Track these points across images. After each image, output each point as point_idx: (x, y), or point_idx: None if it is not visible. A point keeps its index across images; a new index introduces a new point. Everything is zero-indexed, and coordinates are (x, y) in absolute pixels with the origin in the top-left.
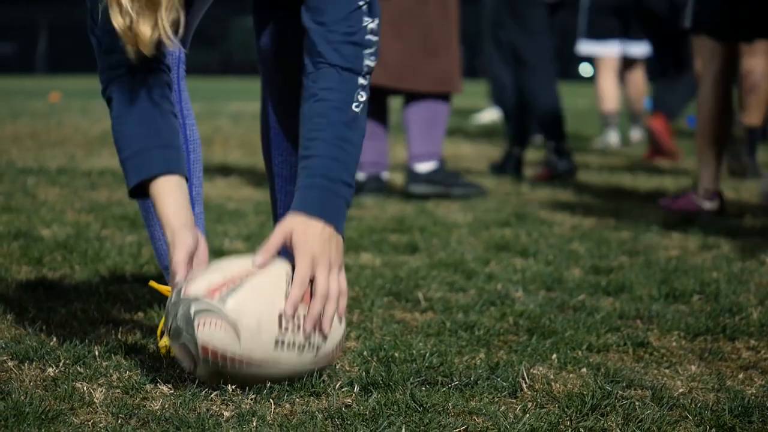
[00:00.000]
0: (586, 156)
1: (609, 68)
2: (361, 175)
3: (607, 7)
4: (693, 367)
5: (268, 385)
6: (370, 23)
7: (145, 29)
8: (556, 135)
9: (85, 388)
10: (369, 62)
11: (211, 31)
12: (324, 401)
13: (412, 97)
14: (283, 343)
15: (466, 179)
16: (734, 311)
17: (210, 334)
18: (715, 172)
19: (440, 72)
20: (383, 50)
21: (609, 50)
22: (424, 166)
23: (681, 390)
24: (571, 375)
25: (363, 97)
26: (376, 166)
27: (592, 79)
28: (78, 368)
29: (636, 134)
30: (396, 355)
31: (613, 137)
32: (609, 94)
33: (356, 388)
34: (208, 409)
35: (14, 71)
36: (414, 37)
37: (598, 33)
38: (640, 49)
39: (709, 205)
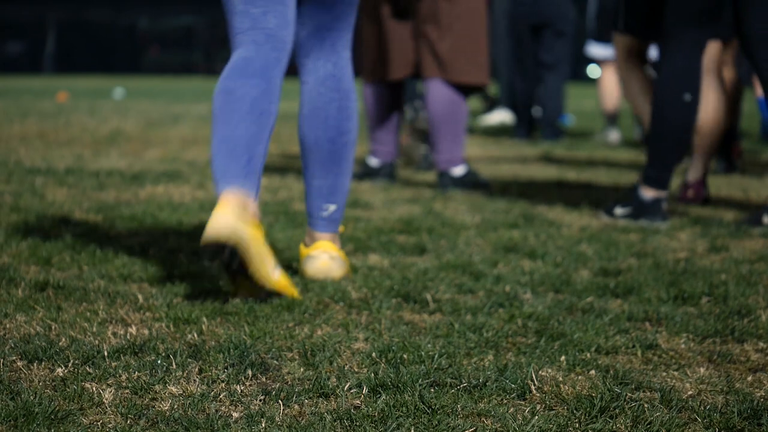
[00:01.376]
0: (594, 155)
1: (612, 71)
2: (374, 161)
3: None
4: (702, 370)
5: (277, 385)
6: None
7: None
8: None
9: (94, 389)
10: None
11: (221, 32)
12: (333, 402)
13: (443, 97)
14: None
15: (479, 173)
16: (743, 313)
17: None
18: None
19: (475, 66)
20: (431, 45)
21: (612, 53)
22: (459, 170)
23: (690, 392)
24: (579, 377)
25: None
26: (389, 154)
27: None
28: (87, 368)
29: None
30: (404, 356)
31: (613, 134)
32: (611, 93)
33: (365, 390)
34: (217, 410)
35: (22, 71)
36: (457, 35)
37: (605, 36)
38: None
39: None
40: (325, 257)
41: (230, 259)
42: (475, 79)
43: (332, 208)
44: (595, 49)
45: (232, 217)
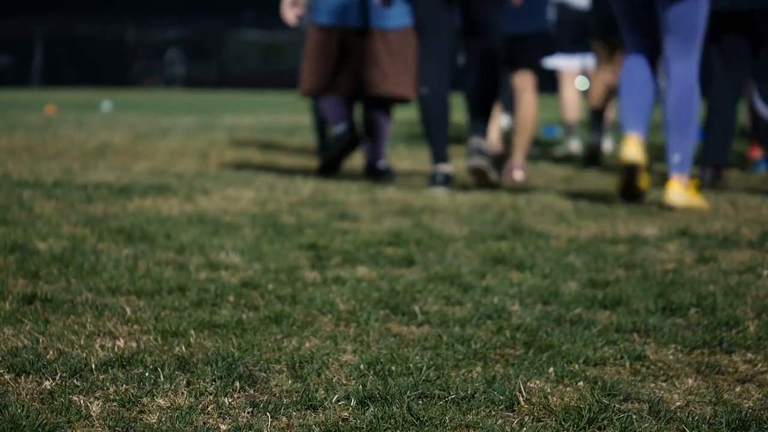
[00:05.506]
0: (580, 168)
1: (571, 80)
2: (339, 128)
3: (572, 21)
4: (690, 381)
5: (265, 398)
6: None
7: None
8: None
9: (81, 401)
10: None
11: (207, 44)
12: (321, 415)
13: (374, 110)
14: None
15: (394, 169)
16: (731, 324)
17: None
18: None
19: (406, 83)
20: (382, 69)
21: (571, 63)
22: (384, 163)
23: (678, 403)
24: (568, 388)
25: None
26: (347, 120)
27: (584, 93)
28: (75, 381)
29: (607, 145)
30: (393, 368)
31: (574, 144)
32: (571, 104)
33: (353, 402)
34: (204, 423)
35: (10, 84)
36: (398, 60)
37: (563, 47)
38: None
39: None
40: (668, 194)
41: (629, 174)
42: (406, 93)
43: (676, 157)
44: (556, 60)
45: (635, 150)
